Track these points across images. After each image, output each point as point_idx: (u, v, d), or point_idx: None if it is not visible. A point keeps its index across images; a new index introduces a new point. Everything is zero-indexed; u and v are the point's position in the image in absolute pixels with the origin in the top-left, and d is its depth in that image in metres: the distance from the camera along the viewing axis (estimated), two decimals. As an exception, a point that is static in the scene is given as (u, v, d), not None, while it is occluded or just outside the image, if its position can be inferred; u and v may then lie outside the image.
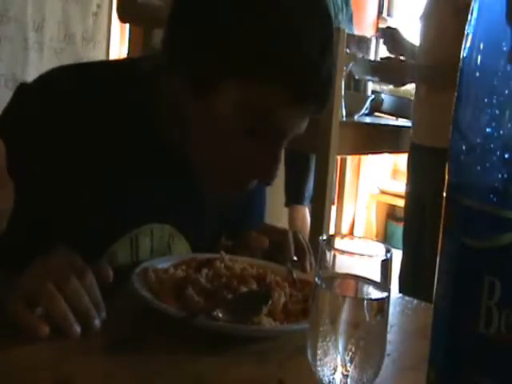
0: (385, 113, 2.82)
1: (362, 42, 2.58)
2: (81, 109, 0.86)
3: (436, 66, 2.10)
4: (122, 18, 2.58)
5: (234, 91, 0.80)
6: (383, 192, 4.39)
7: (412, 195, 2.34)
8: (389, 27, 2.63)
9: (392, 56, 2.51)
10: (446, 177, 0.47)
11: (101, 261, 0.85)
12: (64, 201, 0.84)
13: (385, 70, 2.30)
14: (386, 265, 0.57)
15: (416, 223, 2.28)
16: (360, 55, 2.48)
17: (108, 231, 0.88)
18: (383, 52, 2.77)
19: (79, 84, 0.89)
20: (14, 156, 0.83)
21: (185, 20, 0.83)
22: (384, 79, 2.40)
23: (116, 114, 0.88)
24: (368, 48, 2.60)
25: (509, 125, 0.42)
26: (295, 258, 1.02)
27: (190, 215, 0.99)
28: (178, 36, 0.83)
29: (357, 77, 2.41)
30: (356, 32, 2.98)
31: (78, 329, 0.67)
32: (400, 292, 2.00)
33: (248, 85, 0.79)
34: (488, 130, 0.43)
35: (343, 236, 0.62)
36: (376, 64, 2.40)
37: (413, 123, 2.33)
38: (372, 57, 2.68)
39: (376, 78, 2.43)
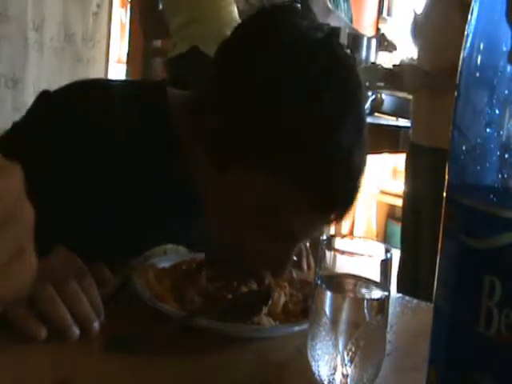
0: (385, 113, 2.82)
1: (360, 40, 2.58)
2: (101, 128, 0.84)
3: (449, 70, 2.09)
4: (147, 35, 2.59)
5: (248, 179, 0.77)
6: (383, 192, 4.39)
7: (410, 195, 2.34)
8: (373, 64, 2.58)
9: (403, 62, 2.49)
10: (446, 177, 0.47)
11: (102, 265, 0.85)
12: (76, 217, 0.82)
13: (397, 77, 2.28)
14: (385, 265, 0.58)
15: (414, 223, 2.28)
16: (361, 57, 2.48)
17: (122, 253, 0.87)
18: (382, 53, 2.77)
19: (103, 102, 0.87)
20: (29, 166, 0.81)
21: (215, 99, 0.80)
22: (396, 86, 2.37)
23: (136, 138, 0.85)
24: (369, 47, 2.59)
25: (509, 125, 0.42)
26: (293, 258, 1.01)
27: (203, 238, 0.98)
28: (206, 108, 0.81)
29: (367, 84, 2.40)
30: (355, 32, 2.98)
31: (76, 331, 0.67)
32: (398, 291, 2.00)
33: (262, 177, 0.76)
34: (488, 130, 0.43)
35: (343, 236, 0.62)
36: (388, 71, 2.38)
37: (412, 124, 2.32)
38: (372, 56, 2.68)
39: (388, 85, 2.41)
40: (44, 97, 0.88)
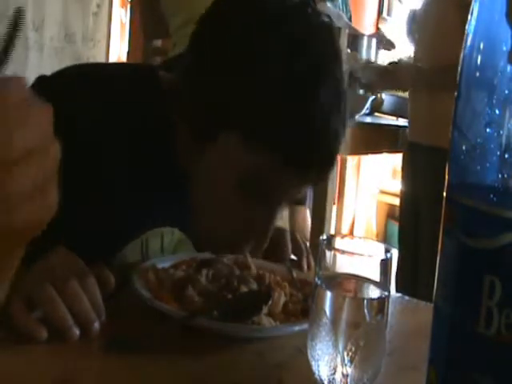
0: (385, 113, 2.82)
1: (360, 40, 2.57)
2: (94, 111, 0.84)
3: (445, 68, 2.08)
4: (148, 35, 2.59)
5: (228, 148, 0.79)
6: (383, 192, 4.39)
7: (409, 194, 2.33)
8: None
9: (399, 60, 2.48)
10: (446, 177, 0.47)
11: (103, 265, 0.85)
12: (72, 204, 0.83)
13: (393, 76, 2.26)
14: (385, 265, 0.58)
15: (412, 222, 2.28)
16: (361, 56, 2.47)
17: (119, 237, 0.88)
18: (382, 52, 2.76)
19: (96, 85, 0.87)
20: None
21: (197, 71, 0.82)
22: (393, 85, 2.36)
23: (130, 123, 0.86)
24: (369, 47, 2.59)
25: (509, 125, 0.42)
26: (294, 258, 1.02)
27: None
28: (189, 83, 0.82)
29: (364, 81, 2.40)
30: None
31: (76, 332, 0.67)
32: (397, 291, 1.99)
33: (244, 143, 0.78)
34: (488, 129, 0.43)
35: (343, 236, 0.62)
36: (384, 69, 2.36)
37: (409, 122, 2.30)
38: (373, 55, 2.68)
39: (386, 85, 2.39)
40: (41, 81, 0.88)
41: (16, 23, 0.49)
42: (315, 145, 0.78)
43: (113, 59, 3.24)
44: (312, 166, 0.80)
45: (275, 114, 0.77)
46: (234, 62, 0.78)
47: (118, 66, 1.06)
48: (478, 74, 0.44)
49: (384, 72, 2.32)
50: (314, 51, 0.79)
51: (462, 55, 0.45)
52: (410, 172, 2.31)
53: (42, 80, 0.88)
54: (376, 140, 2.42)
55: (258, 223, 0.83)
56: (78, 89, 0.86)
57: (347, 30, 2.20)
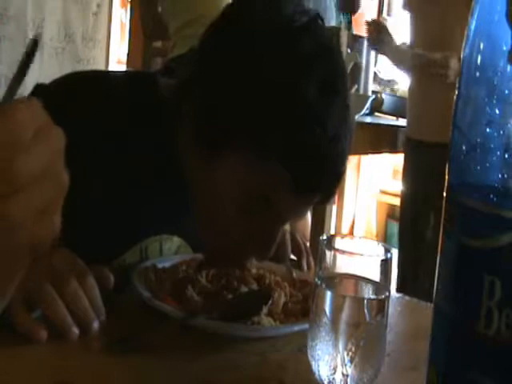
0: (385, 113, 2.82)
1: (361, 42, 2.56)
2: (92, 120, 0.84)
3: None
4: (148, 36, 2.59)
5: (235, 163, 0.78)
6: (383, 192, 4.39)
7: (411, 193, 2.31)
8: (376, 21, 2.51)
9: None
10: (446, 177, 0.47)
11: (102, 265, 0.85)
12: (73, 208, 0.83)
13: (443, 67, 2.15)
14: (385, 265, 0.58)
15: (413, 222, 2.26)
16: (361, 56, 2.46)
17: (118, 243, 0.88)
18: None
19: (96, 94, 0.87)
20: None
21: (203, 83, 0.81)
22: (440, 76, 2.21)
23: (129, 131, 0.86)
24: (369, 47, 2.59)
25: (509, 125, 0.42)
26: (293, 258, 1.02)
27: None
28: (192, 93, 0.81)
29: (393, 64, 2.31)
30: (355, 32, 2.98)
31: (76, 331, 0.67)
32: (397, 291, 1.99)
33: (250, 161, 0.77)
34: (488, 129, 0.43)
35: (343, 236, 0.62)
36: (431, 58, 2.22)
37: (410, 118, 2.27)
38: (373, 56, 2.67)
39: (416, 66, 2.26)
40: (40, 90, 0.88)
41: (32, 52, 0.48)
42: (323, 166, 0.77)
43: (113, 59, 3.24)
44: (319, 187, 0.79)
45: (284, 130, 0.75)
46: (240, 78, 0.77)
47: (116, 74, 1.06)
48: (477, 74, 0.44)
49: (432, 62, 2.19)
50: (323, 69, 0.77)
51: (462, 55, 0.45)
52: (412, 169, 2.28)
53: (40, 88, 0.88)
54: (376, 140, 2.42)
55: (259, 239, 0.82)
56: (77, 98, 0.86)
57: (347, 30, 2.20)
